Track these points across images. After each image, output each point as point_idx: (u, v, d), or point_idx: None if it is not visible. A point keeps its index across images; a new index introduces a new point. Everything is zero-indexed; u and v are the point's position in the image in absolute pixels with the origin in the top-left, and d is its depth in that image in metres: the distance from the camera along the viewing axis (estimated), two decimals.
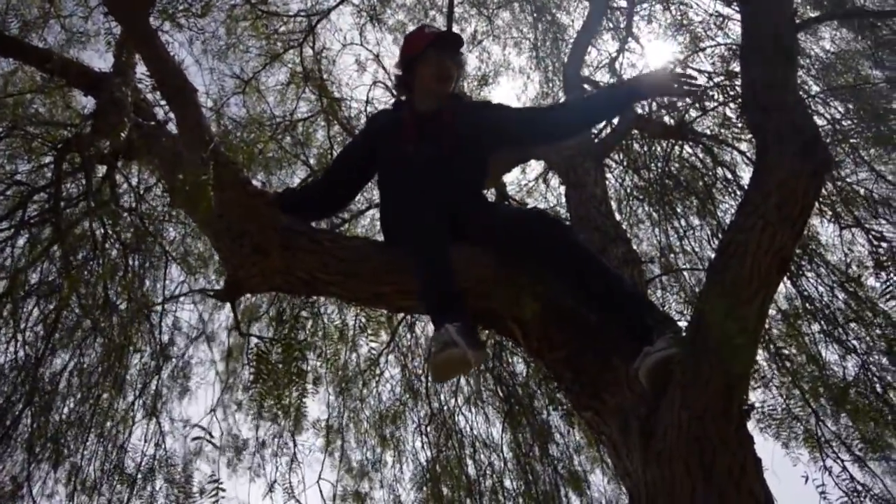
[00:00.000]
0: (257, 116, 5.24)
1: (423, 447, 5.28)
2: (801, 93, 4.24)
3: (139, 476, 4.22)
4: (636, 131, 4.52)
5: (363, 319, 4.84)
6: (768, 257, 1.85)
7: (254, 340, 3.13)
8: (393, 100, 2.66)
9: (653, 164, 4.83)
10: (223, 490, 2.70)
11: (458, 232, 2.35)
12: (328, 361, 5.20)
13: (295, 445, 4.58)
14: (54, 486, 4.11)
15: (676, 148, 4.68)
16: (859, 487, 3.58)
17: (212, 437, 2.99)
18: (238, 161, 2.48)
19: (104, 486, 4.18)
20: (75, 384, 4.46)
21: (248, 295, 3.60)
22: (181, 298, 4.87)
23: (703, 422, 1.70)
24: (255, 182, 4.34)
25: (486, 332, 4.12)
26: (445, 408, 5.49)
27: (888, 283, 3.02)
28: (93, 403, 4.43)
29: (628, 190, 5.35)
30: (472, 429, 5.17)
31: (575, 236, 2.27)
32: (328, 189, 2.74)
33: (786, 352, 4.18)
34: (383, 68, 5.60)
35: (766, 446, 3.80)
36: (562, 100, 5.22)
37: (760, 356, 4.08)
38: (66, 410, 4.31)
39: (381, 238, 2.58)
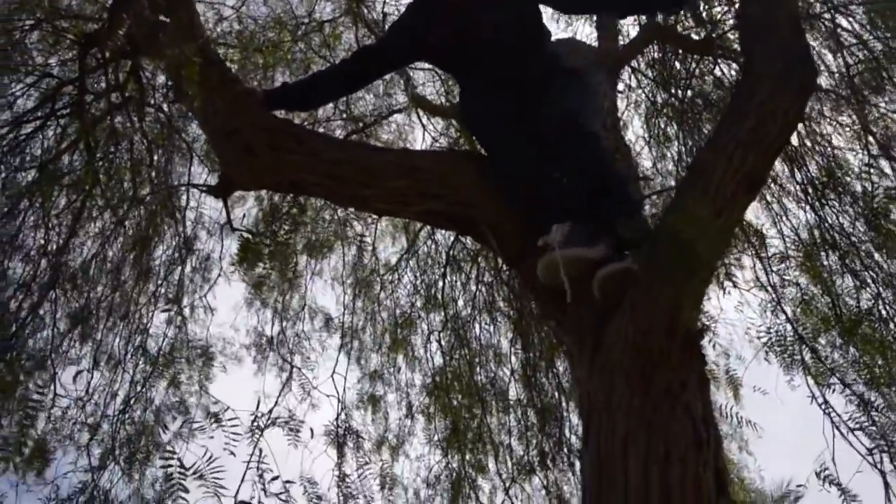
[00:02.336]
0: (282, 16, 5.19)
1: (435, 353, 5.40)
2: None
3: (160, 356, 4.40)
4: (659, 43, 4.34)
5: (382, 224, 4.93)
6: (736, 178, 1.83)
7: (243, 231, 3.21)
8: None
9: (679, 81, 4.67)
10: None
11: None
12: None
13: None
14: (78, 358, 4.31)
15: (704, 64, 4.50)
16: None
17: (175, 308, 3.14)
18: (226, 60, 2.47)
19: (128, 364, 4.38)
20: (101, 270, 4.64)
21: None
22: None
23: (647, 337, 1.72)
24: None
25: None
26: (463, 313, 5.58)
27: None
28: (118, 288, 4.61)
29: (657, 105, 5.21)
30: (481, 339, 5.25)
31: (599, 148, 2.25)
32: (355, 74, 2.63)
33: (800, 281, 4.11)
34: None
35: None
36: None
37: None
38: (91, 295, 4.50)
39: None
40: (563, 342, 2.15)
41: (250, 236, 2.62)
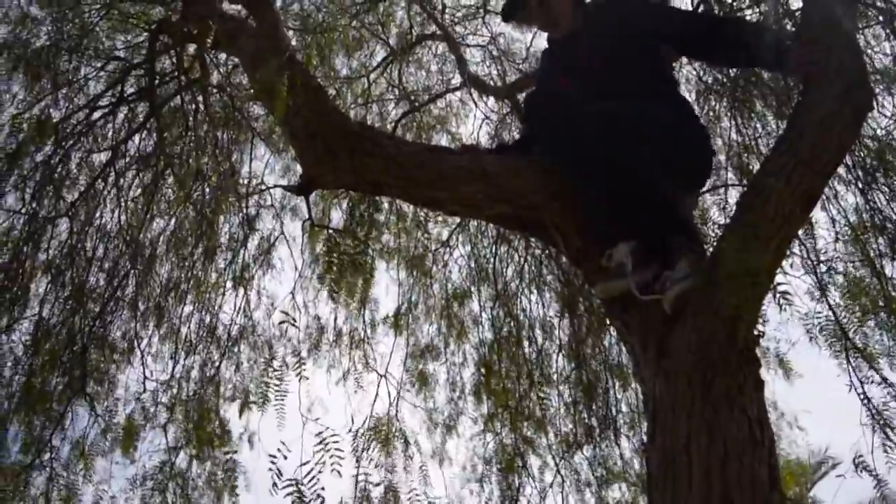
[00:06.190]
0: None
1: (486, 329, 5.54)
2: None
3: (228, 342, 4.64)
4: None
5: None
6: (795, 196, 1.96)
7: (325, 232, 3.41)
8: None
9: None
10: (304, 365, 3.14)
11: None
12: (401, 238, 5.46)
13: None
14: (159, 346, 4.59)
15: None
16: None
17: (295, 321, 3.37)
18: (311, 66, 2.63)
19: (200, 348, 4.64)
20: (172, 250, 4.89)
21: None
22: (266, 170, 5.22)
23: (709, 346, 1.89)
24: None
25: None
26: (512, 285, 5.72)
27: None
28: (188, 268, 4.86)
29: (708, 83, 5.24)
30: (529, 313, 5.40)
31: (632, 160, 2.29)
32: None
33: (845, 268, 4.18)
34: None
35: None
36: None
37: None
38: (164, 275, 4.77)
39: None
40: (626, 342, 2.31)
41: (336, 247, 2.80)
